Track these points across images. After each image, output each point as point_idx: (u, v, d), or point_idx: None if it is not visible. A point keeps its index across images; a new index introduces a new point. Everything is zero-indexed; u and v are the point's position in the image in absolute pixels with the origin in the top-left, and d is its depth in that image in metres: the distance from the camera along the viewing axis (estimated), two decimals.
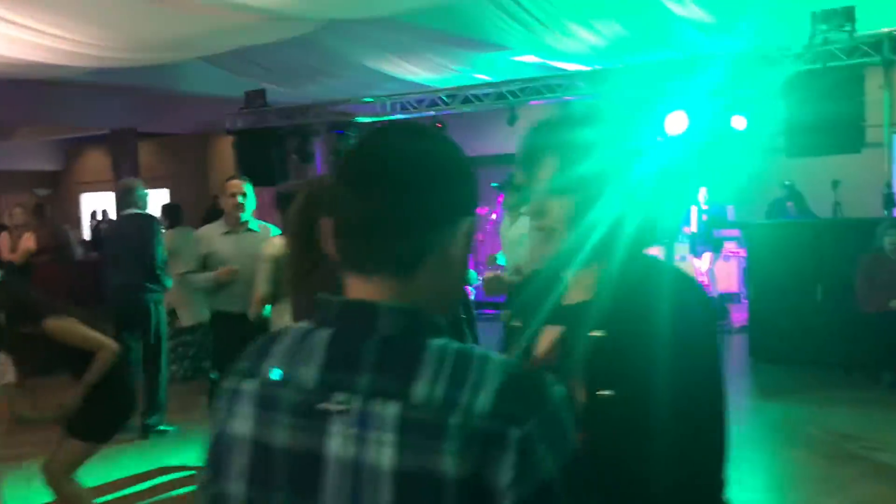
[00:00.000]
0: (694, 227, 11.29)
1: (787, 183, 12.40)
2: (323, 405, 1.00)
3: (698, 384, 1.38)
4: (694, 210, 11.41)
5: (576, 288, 1.47)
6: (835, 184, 12.74)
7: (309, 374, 1.03)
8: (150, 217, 6.50)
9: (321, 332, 1.06)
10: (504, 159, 16.01)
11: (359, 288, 1.06)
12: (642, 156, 1.48)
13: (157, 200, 19.47)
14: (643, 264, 1.46)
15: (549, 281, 1.50)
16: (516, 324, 1.54)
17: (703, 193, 11.29)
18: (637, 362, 1.36)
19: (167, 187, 19.49)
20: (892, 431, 5.56)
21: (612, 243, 1.43)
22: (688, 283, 1.45)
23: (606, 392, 1.37)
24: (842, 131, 8.59)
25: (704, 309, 1.44)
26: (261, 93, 12.74)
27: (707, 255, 10.98)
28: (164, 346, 6.42)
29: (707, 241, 11.17)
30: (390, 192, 1.03)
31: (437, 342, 1.01)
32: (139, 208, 6.38)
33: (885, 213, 8.42)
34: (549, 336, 1.45)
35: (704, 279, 11.21)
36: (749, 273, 8.18)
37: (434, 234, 1.05)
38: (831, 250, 7.58)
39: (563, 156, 1.41)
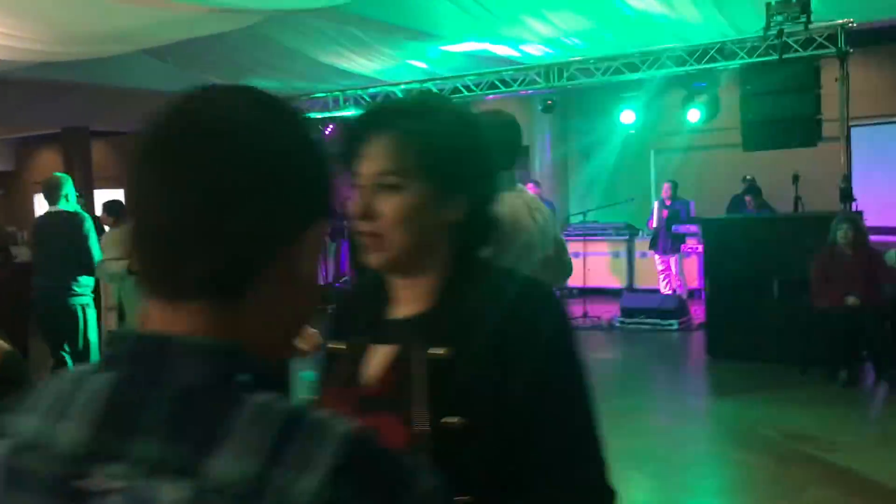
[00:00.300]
0: (655, 224, 11.16)
1: (747, 177, 12.31)
2: (83, 482, 0.71)
3: (557, 400, 1.19)
4: (656, 206, 11.29)
5: (406, 299, 1.24)
6: (795, 178, 12.68)
7: (72, 435, 0.73)
8: (77, 215, 6.10)
9: (102, 376, 0.75)
10: None
11: (162, 316, 0.77)
12: (488, 150, 1.26)
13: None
14: (486, 270, 1.24)
15: (373, 292, 1.27)
16: (337, 346, 1.29)
17: (666, 189, 11.16)
18: (484, 383, 1.14)
19: (122, 187, 19.00)
20: (846, 432, 5.41)
21: (450, 247, 1.20)
22: (537, 291, 1.24)
23: (453, 419, 1.14)
24: (798, 124, 8.47)
25: (556, 317, 1.24)
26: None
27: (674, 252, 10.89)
28: (96, 354, 6.10)
29: (667, 238, 11.05)
30: (206, 178, 0.73)
31: (260, 398, 0.71)
32: (66, 205, 6.03)
33: (842, 207, 8.33)
34: (379, 358, 1.22)
35: (671, 276, 11.07)
36: (706, 269, 8.04)
37: (269, 242, 0.76)
38: (788, 246, 7.44)
39: (398, 147, 1.18)
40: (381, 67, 10.53)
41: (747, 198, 10.16)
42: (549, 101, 9.95)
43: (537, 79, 10.02)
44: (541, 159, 13.09)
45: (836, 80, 8.22)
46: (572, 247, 12.48)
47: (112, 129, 17.14)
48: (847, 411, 5.89)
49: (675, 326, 9.38)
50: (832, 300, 6.63)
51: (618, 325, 9.71)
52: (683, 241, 10.98)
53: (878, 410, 6.07)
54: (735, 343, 7.71)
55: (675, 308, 9.53)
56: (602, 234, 12.46)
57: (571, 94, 13.29)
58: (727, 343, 7.77)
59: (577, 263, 12.26)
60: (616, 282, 12.44)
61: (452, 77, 10.45)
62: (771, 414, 5.90)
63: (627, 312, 9.76)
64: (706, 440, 5.43)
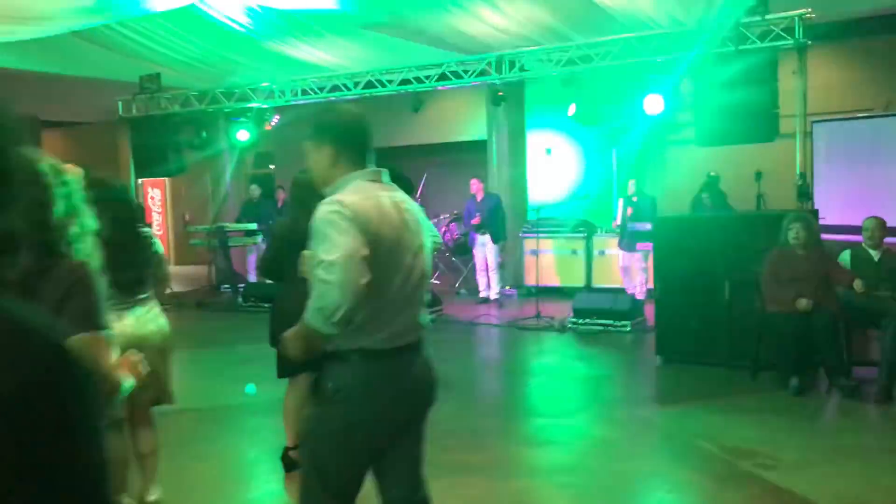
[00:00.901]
0: (620, 221, 10.76)
1: (711, 174, 12.01)
2: None
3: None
4: (620, 203, 10.89)
5: None
6: (758, 175, 12.41)
7: None
8: None
9: None
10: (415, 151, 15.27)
11: None
12: None
13: None
14: None
15: None
16: None
17: (630, 186, 10.75)
18: None
19: None
20: (791, 446, 5.07)
21: None
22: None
23: None
24: (755, 119, 8.14)
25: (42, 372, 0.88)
26: (155, 77, 11.92)
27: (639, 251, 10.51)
28: None
29: (624, 236, 10.71)
30: None
31: None
32: None
33: (799, 205, 8.02)
34: None
35: (632, 274, 10.70)
36: (656, 269, 7.68)
37: None
38: (741, 246, 7.11)
39: None
40: (337, 61, 10.14)
41: (704, 195, 9.83)
42: (500, 93, 9.54)
43: (488, 69, 9.63)
44: (497, 153, 12.68)
45: (794, 72, 7.88)
46: (528, 244, 12.20)
47: (64, 120, 16.61)
48: (795, 423, 5.55)
49: (628, 328, 9.03)
50: (783, 303, 6.29)
51: (570, 326, 9.35)
52: (641, 240, 10.63)
53: (827, 422, 5.73)
54: (685, 346, 7.38)
55: (629, 309, 9.18)
56: (559, 232, 12.10)
57: (528, 86, 12.93)
58: (677, 346, 7.44)
59: (530, 262, 12.04)
60: (575, 281, 12.09)
61: (401, 69, 10.03)
62: (715, 424, 5.55)
63: (580, 313, 9.40)
64: (641, 455, 5.06)
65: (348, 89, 10.49)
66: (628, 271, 10.86)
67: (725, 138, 8.31)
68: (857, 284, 6.23)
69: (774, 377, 6.54)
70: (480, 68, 9.72)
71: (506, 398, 6.68)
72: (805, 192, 7.80)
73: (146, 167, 12.08)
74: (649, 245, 10.21)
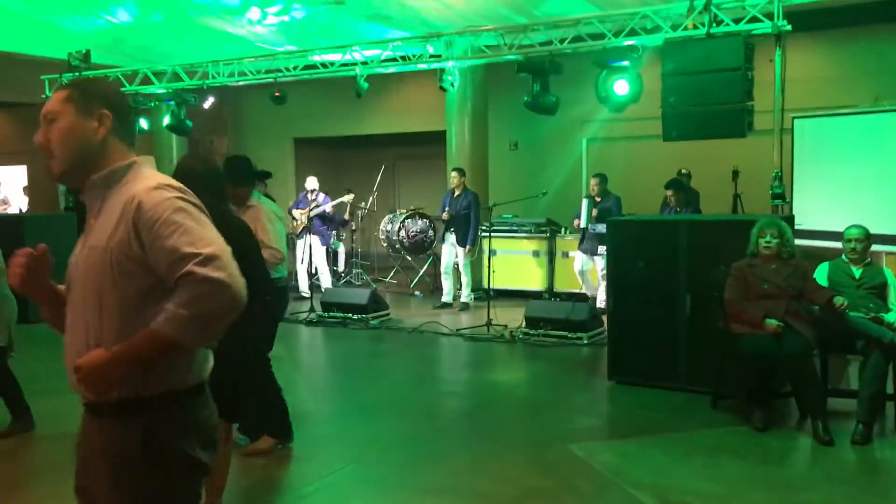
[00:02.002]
0: (583, 223, 9.84)
1: (683, 171, 11.15)
2: None
3: None
4: (584, 203, 9.96)
5: None
6: (735, 174, 11.55)
7: None
8: None
9: None
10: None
11: None
12: None
13: (13, 179, 17.41)
14: None
15: None
16: None
17: (594, 184, 9.85)
18: None
19: (25, 164, 17.48)
20: (745, 499, 4.21)
21: None
22: None
23: None
24: (726, 111, 7.26)
25: None
26: (86, 55, 10.95)
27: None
28: None
29: (591, 238, 9.80)
30: None
31: None
32: None
33: (773, 208, 7.16)
34: None
35: (600, 282, 9.76)
36: (609, 278, 6.80)
37: None
38: (705, 253, 6.24)
39: None
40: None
41: (668, 192, 8.94)
42: (450, 78, 8.62)
43: (443, 51, 8.69)
44: (458, 145, 11.77)
45: (770, 60, 7.01)
46: (489, 244, 11.29)
47: (10, 101, 15.60)
48: (755, 470, 4.69)
49: (585, 341, 8.17)
50: (749, 323, 5.43)
51: (520, 337, 8.47)
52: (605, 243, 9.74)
53: (794, 471, 4.87)
54: (640, 367, 6.53)
55: (586, 319, 8.32)
56: (519, 231, 11.22)
57: (489, 72, 12.03)
58: (631, 366, 6.59)
59: (485, 263, 11.13)
60: (537, 284, 11.23)
61: (342, 46, 9.09)
62: (662, 469, 4.68)
63: (532, 322, 8.54)
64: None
65: (288, 71, 9.54)
66: (585, 276, 9.99)
67: (693, 132, 7.43)
68: (839, 301, 5.35)
69: (739, 406, 5.70)
70: (437, 51, 8.80)
71: (418, 430, 5.65)
72: (780, 194, 6.95)
73: None
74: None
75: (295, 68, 9.49)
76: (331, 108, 14.94)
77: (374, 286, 12.68)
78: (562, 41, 8.14)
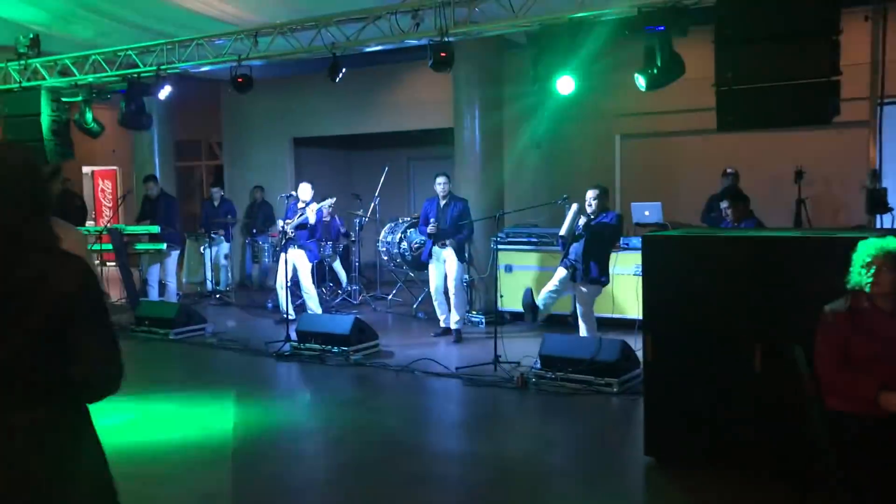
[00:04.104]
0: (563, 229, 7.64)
1: (728, 171, 9.31)
2: None
3: None
4: (573, 210, 7.69)
5: None
6: (799, 175, 9.65)
7: None
8: None
9: None
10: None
11: None
12: None
13: None
14: None
15: None
16: None
17: (590, 198, 7.56)
18: None
19: None
20: None
21: None
22: None
23: None
24: (803, 91, 5.46)
25: None
26: (35, 41, 9.45)
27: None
28: None
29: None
30: None
31: None
32: None
33: (869, 220, 5.31)
34: None
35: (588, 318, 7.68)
36: (646, 318, 4.99)
37: None
38: (782, 287, 4.44)
39: None
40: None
41: (723, 204, 7.03)
42: (443, 54, 6.85)
43: (434, 21, 6.96)
44: (467, 142, 10.02)
45: (867, 18, 5.18)
46: (502, 258, 9.52)
47: None
48: None
49: (615, 388, 6.39)
50: (853, 398, 3.62)
51: (533, 380, 6.72)
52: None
53: None
54: (690, 441, 4.74)
55: (617, 360, 6.53)
56: (539, 244, 9.43)
57: (503, 57, 10.29)
58: (677, 440, 4.80)
59: (504, 280, 9.35)
60: (560, 306, 9.39)
61: (323, 18, 7.41)
62: None
63: (549, 362, 6.78)
64: None
65: (255, 46, 7.88)
66: (547, 303, 7.78)
67: (756, 119, 5.62)
68: None
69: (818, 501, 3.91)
70: (423, 26, 7.08)
71: None
72: (880, 202, 5.09)
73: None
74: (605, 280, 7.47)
75: (256, 44, 7.80)
76: (333, 104, 13.30)
77: (372, 305, 11.01)
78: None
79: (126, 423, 5.94)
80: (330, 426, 5.96)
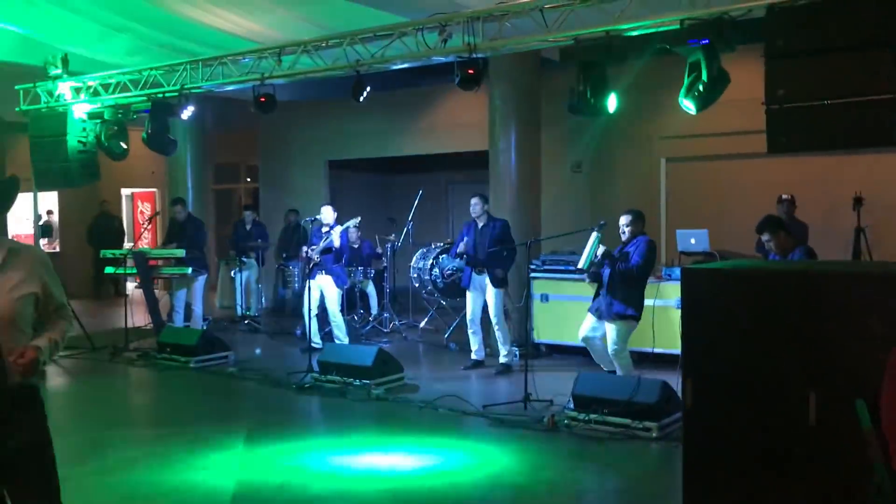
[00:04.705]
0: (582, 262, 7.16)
1: (784, 198, 8.73)
2: None
3: None
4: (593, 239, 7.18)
5: None
6: (857, 202, 9.03)
7: None
8: None
9: None
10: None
11: None
12: None
13: None
14: None
15: None
16: None
17: (624, 224, 7.07)
18: None
19: None
20: None
21: None
22: None
23: None
24: (867, 109, 4.93)
25: None
26: (64, 61, 9.34)
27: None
28: None
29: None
30: None
31: None
32: None
33: None
34: None
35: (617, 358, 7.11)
36: (688, 353, 4.47)
37: None
38: (837, 326, 3.90)
39: None
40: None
41: (764, 237, 6.38)
42: (470, 71, 6.44)
43: (462, 37, 6.58)
44: (503, 165, 9.61)
45: None
46: (538, 286, 9.04)
47: None
48: None
49: (654, 434, 5.85)
50: None
51: (565, 422, 6.22)
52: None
53: None
54: (735, 496, 4.19)
55: (657, 402, 6.00)
56: (578, 272, 8.91)
57: (542, 77, 9.88)
58: (721, 495, 4.26)
59: (540, 311, 8.85)
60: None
61: (348, 34, 7.08)
62: None
63: (581, 403, 6.27)
64: None
65: (279, 65, 7.59)
66: (593, 345, 7.36)
67: (811, 139, 5.10)
68: None
69: None
70: (455, 40, 6.71)
71: None
72: None
73: (47, 175, 9.46)
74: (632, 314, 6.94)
75: (280, 62, 7.50)
76: (369, 127, 13.03)
77: (403, 334, 10.61)
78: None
79: (127, 459, 5.60)
80: (337, 472, 5.52)
